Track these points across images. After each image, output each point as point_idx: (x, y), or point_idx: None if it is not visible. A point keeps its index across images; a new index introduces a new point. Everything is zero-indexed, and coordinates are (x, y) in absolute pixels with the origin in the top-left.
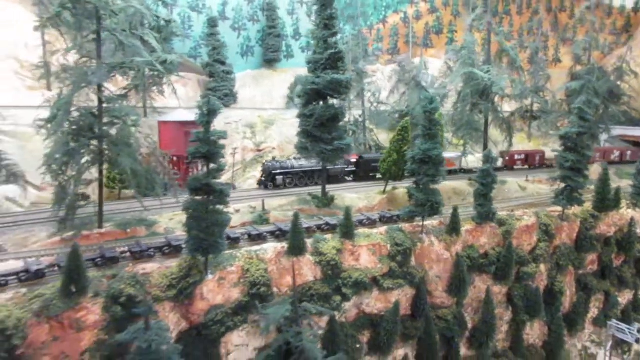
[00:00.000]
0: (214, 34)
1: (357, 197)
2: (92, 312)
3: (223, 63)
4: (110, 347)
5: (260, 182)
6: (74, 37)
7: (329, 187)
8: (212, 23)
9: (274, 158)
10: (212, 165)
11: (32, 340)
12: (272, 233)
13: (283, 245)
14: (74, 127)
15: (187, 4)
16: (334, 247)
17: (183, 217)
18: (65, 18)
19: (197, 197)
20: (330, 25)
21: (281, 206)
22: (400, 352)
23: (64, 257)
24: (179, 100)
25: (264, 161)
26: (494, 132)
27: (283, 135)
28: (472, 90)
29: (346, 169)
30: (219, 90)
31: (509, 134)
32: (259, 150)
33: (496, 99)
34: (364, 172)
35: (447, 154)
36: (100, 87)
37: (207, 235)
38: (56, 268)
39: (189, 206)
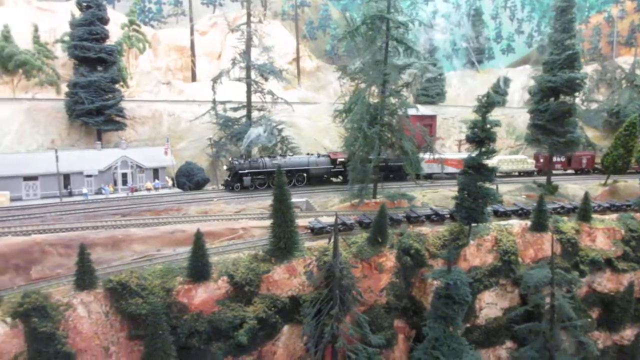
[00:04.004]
0: (429, 39)
1: (578, 187)
2: (389, 259)
3: (434, 65)
4: (399, 286)
5: (225, 184)
6: (367, 45)
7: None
8: (427, 30)
9: (242, 155)
10: (483, 149)
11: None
12: (515, 212)
13: (526, 222)
14: (368, 117)
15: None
16: (573, 227)
17: (432, 195)
18: (361, 30)
19: (469, 174)
20: (569, 28)
21: (510, 191)
22: (628, 332)
23: (362, 216)
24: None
25: (230, 159)
26: None
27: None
28: None
29: (331, 170)
30: (431, 90)
31: None
32: None
33: None
34: None
35: (461, 155)
36: (384, 84)
37: (476, 206)
38: (357, 224)
39: (463, 181)
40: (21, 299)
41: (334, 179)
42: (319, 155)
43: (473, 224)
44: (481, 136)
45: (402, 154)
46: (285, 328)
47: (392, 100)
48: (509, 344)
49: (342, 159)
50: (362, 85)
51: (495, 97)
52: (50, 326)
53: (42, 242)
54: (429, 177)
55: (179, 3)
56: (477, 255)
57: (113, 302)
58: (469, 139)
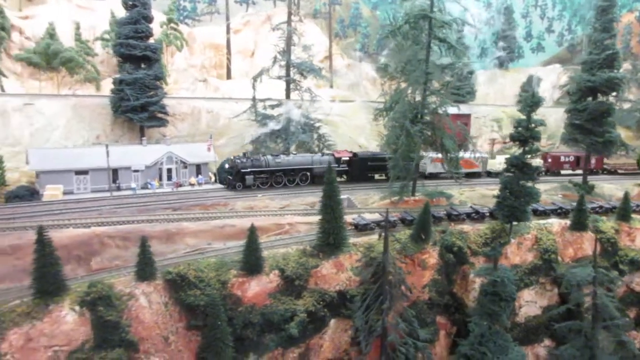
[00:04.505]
0: (461, 37)
1: (614, 187)
2: (432, 256)
3: (466, 64)
4: (441, 283)
5: (227, 182)
6: (408, 45)
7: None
8: (460, 29)
9: (244, 154)
10: (527, 147)
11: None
12: (554, 211)
13: (566, 221)
14: (410, 115)
15: None
16: (612, 227)
17: (469, 193)
18: (403, 30)
19: (512, 173)
20: (609, 28)
21: (546, 191)
22: None
23: (404, 213)
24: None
25: (231, 156)
26: None
27: None
28: None
29: (336, 169)
30: (461, 89)
31: None
32: (505, 142)
33: None
34: (359, 172)
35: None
36: (425, 83)
37: (518, 204)
38: (400, 221)
39: (505, 180)
40: (87, 289)
41: (338, 179)
42: (322, 154)
43: (514, 223)
44: (526, 135)
45: (442, 152)
46: (332, 322)
47: (433, 98)
48: (547, 342)
49: (347, 158)
50: (404, 84)
51: (541, 97)
52: (115, 315)
53: (101, 234)
54: (434, 176)
55: (212, 1)
56: (517, 253)
57: (172, 293)
58: (514, 138)
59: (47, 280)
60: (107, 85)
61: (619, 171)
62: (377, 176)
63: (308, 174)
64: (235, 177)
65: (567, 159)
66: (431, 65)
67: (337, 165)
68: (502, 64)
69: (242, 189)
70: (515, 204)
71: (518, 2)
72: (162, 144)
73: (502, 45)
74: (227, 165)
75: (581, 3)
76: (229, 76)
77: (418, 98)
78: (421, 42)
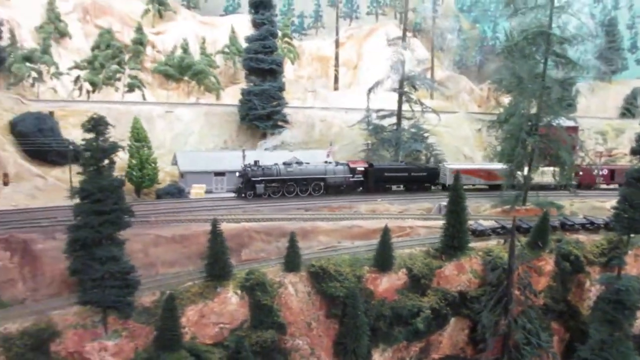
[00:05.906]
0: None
1: None
2: (548, 263)
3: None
4: (557, 290)
5: (237, 191)
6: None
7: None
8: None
9: (255, 162)
10: None
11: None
12: None
13: None
14: (526, 127)
15: None
16: None
17: (579, 205)
18: (520, 45)
19: (634, 185)
20: None
21: None
22: None
23: (519, 221)
24: None
25: (242, 165)
26: None
27: None
28: None
29: (350, 179)
30: (563, 101)
31: None
32: (610, 156)
33: None
34: (374, 183)
35: (495, 166)
36: (541, 97)
37: (638, 217)
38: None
39: (626, 192)
40: (246, 275)
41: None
42: (337, 164)
43: (631, 235)
44: None
45: (557, 165)
46: (452, 320)
47: (547, 111)
48: None
49: (362, 168)
50: (519, 98)
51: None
52: (269, 300)
53: (250, 229)
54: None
55: (319, 17)
56: (634, 265)
57: (314, 284)
58: (635, 152)
59: (218, 266)
60: (226, 95)
61: None
62: (394, 187)
63: (322, 184)
64: (246, 185)
65: (601, 173)
66: (549, 80)
67: (351, 175)
68: (604, 76)
69: (253, 197)
70: (635, 215)
71: (624, 13)
72: (284, 150)
73: (604, 57)
74: (237, 174)
75: None
76: (336, 87)
77: (532, 111)
78: (536, 58)
